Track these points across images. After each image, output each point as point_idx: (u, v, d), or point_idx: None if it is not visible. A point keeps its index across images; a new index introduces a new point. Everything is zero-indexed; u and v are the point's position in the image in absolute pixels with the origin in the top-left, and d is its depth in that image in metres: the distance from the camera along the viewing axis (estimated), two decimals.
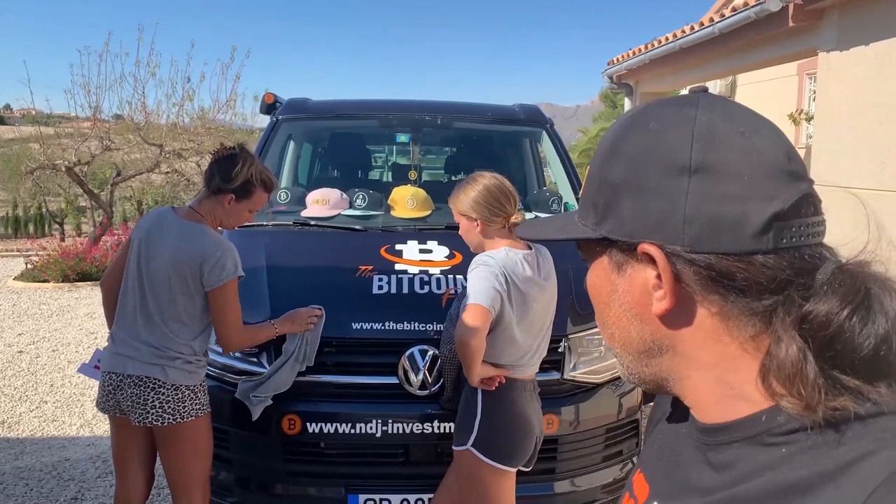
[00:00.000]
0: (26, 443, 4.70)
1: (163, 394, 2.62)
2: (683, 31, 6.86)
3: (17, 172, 15.02)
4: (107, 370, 2.69)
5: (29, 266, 10.93)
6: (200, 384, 2.74)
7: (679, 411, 0.78)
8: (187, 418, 2.65)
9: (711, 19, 6.32)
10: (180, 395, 2.65)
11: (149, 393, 2.61)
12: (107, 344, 2.78)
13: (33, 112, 17.69)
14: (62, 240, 14.12)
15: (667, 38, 7.29)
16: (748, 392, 0.65)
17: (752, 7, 5.58)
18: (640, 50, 8.07)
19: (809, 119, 8.17)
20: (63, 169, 12.37)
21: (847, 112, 5.39)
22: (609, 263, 0.72)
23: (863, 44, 5.12)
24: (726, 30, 6.03)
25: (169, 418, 2.62)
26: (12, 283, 10.53)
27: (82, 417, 5.17)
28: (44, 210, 18.29)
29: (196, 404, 2.70)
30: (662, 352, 0.70)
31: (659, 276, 0.66)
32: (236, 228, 3.75)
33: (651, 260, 0.66)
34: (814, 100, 6.40)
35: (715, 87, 10.52)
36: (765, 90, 9.57)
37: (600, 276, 0.73)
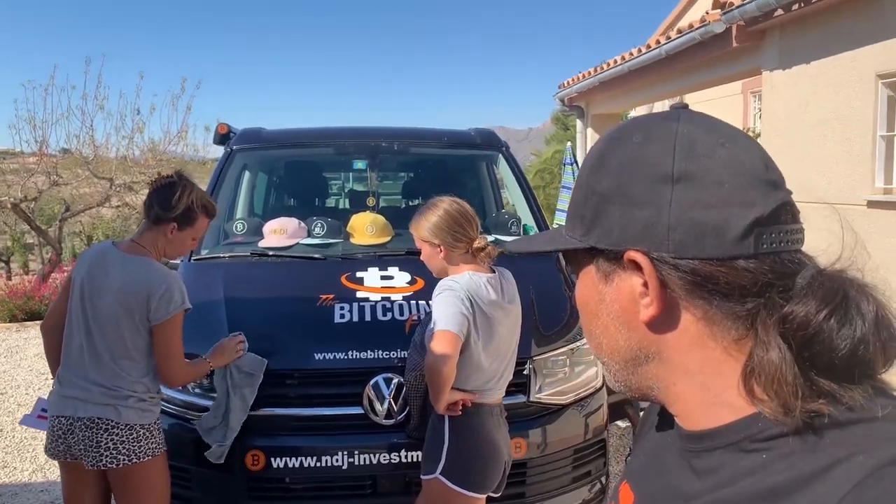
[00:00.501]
0: None
1: (116, 434, 2.53)
2: (631, 54, 7.01)
3: None
4: (55, 414, 2.58)
5: None
6: (155, 422, 2.66)
7: (665, 420, 0.80)
8: (143, 458, 2.56)
9: (658, 41, 6.47)
10: (135, 435, 2.56)
11: (102, 434, 2.52)
12: (52, 388, 2.67)
13: None
14: (9, 278, 13.70)
15: (615, 61, 7.43)
16: (731, 398, 0.66)
17: (697, 29, 5.73)
18: (590, 73, 8.22)
19: (756, 136, 8.40)
20: (8, 206, 12.02)
21: (791, 128, 5.54)
22: (596, 273, 0.73)
23: (804, 62, 5.29)
24: (673, 51, 6.18)
25: (124, 459, 2.52)
26: None
27: (35, 462, 4.97)
28: None
29: (152, 443, 2.60)
30: (649, 359, 0.71)
31: (645, 284, 0.68)
32: (192, 261, 3.71)
33: (637, 267, 0.68)
34: (759, 117, 6.58)
35: (664, 107, 10.75)
36: (712, 109, 9.77)
37: (588, 286, 0.75)
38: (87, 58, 12.85)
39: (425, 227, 2.59)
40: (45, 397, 2.75)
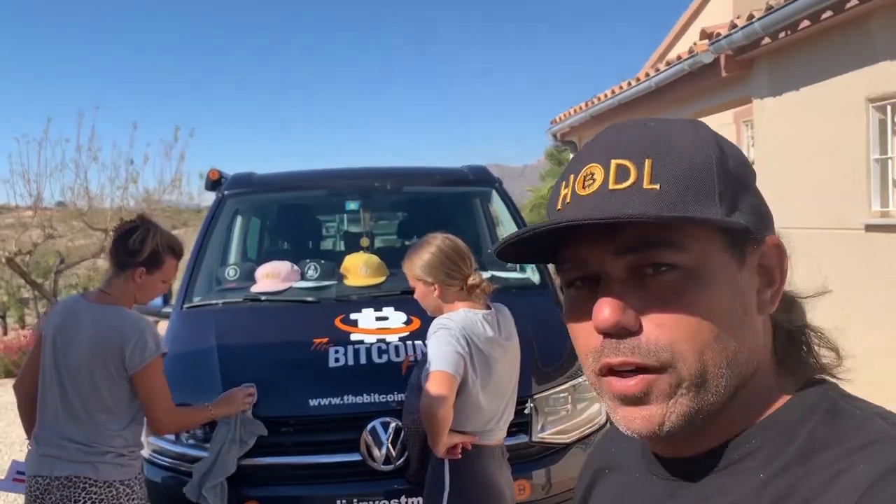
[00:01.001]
0: None
1: (95, 493, 2.43)
2: (621, 87, 7.05)
3: None
4: (32, 474, 2.49)
5: None
6: (136, 477, 2.56)
7: (627, 458, 0.78)
8: None
9: (647, 74, 6.51)
10: (114, 492, 2.45)
11: (79, 493, 2.42)
12: (28, 449, 2.59)
13: None
14: (4, 333, 13.60)
15: (606, 95, 7.47)
16: (756, 397, 0.67)
17: (686, 60, 5.76)
18: (581, 108, 8.25)
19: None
20: (3, 260, 11.98)
21: (784, 155, 5.54)
22: (730, 260, 0.65)
23: (794, 89, 5.30)
24: (662, 83, 6.21)
25: None
26: None
27: None
28: None
29: (133, 499, 2.50)
30: (752, 368, 0.67)
31: (768, 272, 0.68)
32: (184, 309, 3.65)
33: (769, 253, 0.68)
34: (752, 146, 6.59)
35: None
36: None
37: (726, 276, 0.65)
38: (80, 112, 12.92)
39: (418, 265, 2.54)
40: (21, 459, 2.67)
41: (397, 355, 3.06)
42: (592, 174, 0.66)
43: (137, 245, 2.56)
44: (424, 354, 2.91)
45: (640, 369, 0.63)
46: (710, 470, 0.65)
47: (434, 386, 2.29)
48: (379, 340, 3.14)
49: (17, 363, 9.99)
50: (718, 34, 5.53)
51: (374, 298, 3.59)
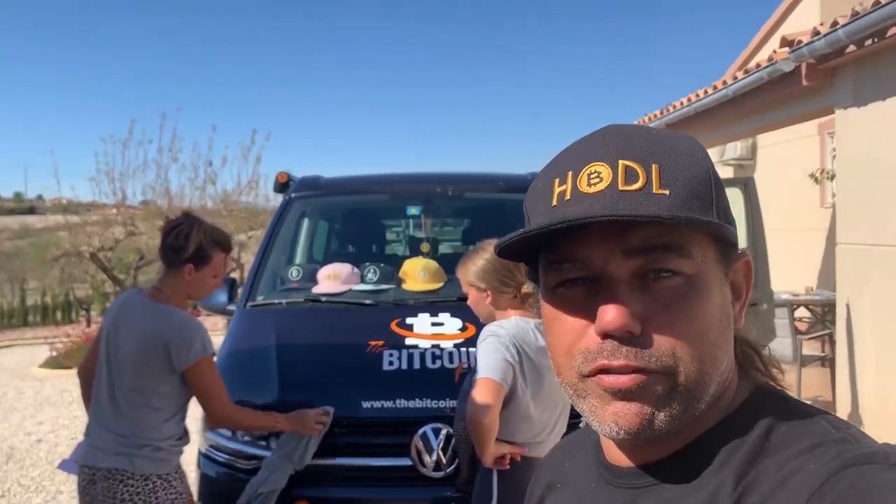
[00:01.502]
0: None
1: (132, 486, 2.44)
2: (697, 95, 6.86)
3: (45, 261, 15.26)
4: (81, 463, 2.54)
5: (53, 353, 10.95)
6: (175, 472, 2.56)
7: (582, 468, 0.79)
8: None
9: (725, 82, 6.31)
10: (151, 486, 2.46)
11: (118, 486, 2.44)
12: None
13: (63, 202, 18.10)
14: (88, 325, 14.20)
15: (681, 103, 7.28)
16: (706, 415, 0.67)
17: (765, 68, 5.55)
18: (656, 115, 8.08)
19: (832, 178, 8.06)
20: (87, 255, 12.54)
21: (868, 168, 5.27)
22: (720, 272, 0.68)
23: (879, 99, 5.04)
24: (740, 92, 6.00)
25: None
26: (36, 371, 10.54)
27: None
28: (71, 297, 18.50)
29: (171, 493, 2.50)
30: (726, 379, 0.69)
31: (734, 288, 0.70)
32: (247, 307, 3.73)
33: (738, 270, 0.70)
34: (835, 158, 6.30)
35: (735, 149, 10.46)
36: (785, 151, 9.48)
37: (718, 286, 0.67)
38: (163, 113, 13.42)
39: (472, 271, 2.51)
40: None
41: (451, 362, 3.03)
42: (598, 173, 0.65)
43: (182, 241, 2.57)
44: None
45: (636, 371, 0.63)
46: (669, 476, 0.67)
47: (480, 393, 2.25)
48: (433, 346, 3.13)
49: None
50: (800, 41, 5.30)
51: (431, 304, 3.58)
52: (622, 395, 0.64)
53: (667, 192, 0.63)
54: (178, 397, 2.56)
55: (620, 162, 0.65)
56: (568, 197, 0.66)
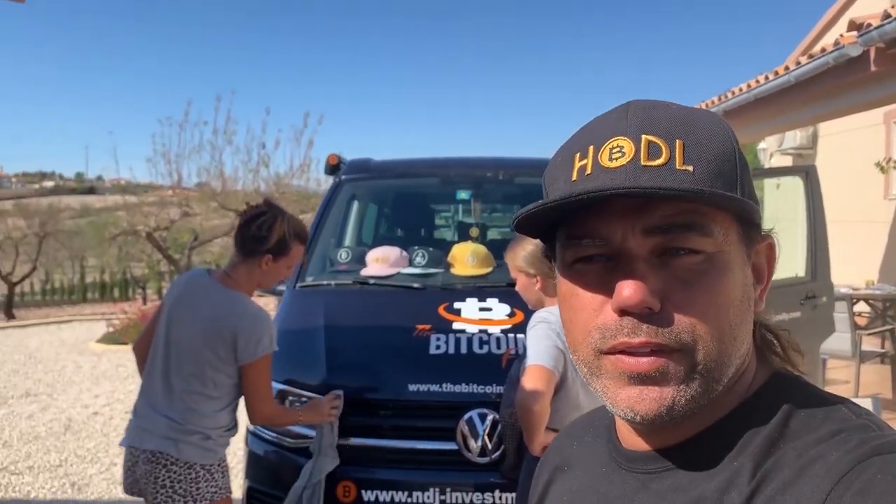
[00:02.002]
0: None
1: (175, 472, 2.37)
2: (758, 81, 6.64)
3: (104, 240, 15.69)
4: (127, 444, 2.49)
5: (110, 329, 11.28)
6: (219, 464, 2.49)
7: (587, 453, 0.78)
8: (201, 502, 2.40)
9: (787, 67, 6.10)
10: (194, 475, 2.39)
11: (160, 470, 2.37)
12: None
13: (122, 182, 18.57)
14: (144, 303, 14.58)
15: (741, 89, 7.06)
16: (734, 392, 0.67)
17: (831, 53, 5.33)
18: (713, 102, 7.86)
19: None
20: (143, 234, 12.85)
21: None
22: (742, 252, 0.66)
23: None
24: (803, 77, 5.78)
25: (179, 500, 2.36)
26: (93, 346, 10.87)
27: None
28: (128, 275, 19.03)
29: (211, 486, 2.43)
30: (745, 361, 0.68)
31: (756, 270, 0.68)
32: (297, 288, 3.76)
33: (761, 252, 0.68)
34: None
35: (794, 138, 10.14)
36: (849, 140, 9.14)
37: (740, 266, 0.66)
38: (218, 95, 13.64)
39: (521, 257, 2.47)
40: None
41: (498, 347, 3.00)
42: (621, 147, 0.63)
43: (265, 232, 2.50)
44: (525, 348, 2.85)
45: (654, 350, 0.62)
46: (684, 461, 0.65)
47: (530, 380, 2.22)
48: (481, 331, 3.10)
49: None
50: (869, 25, 5.08)
51: (479, 289, 3.55)
52: (640, 378, 0.62)
53: (690, 168, 0.62)
54: (234, 388, 2.49)
55: (643, 137, 0.63)
56: (589, 171, 0.64)
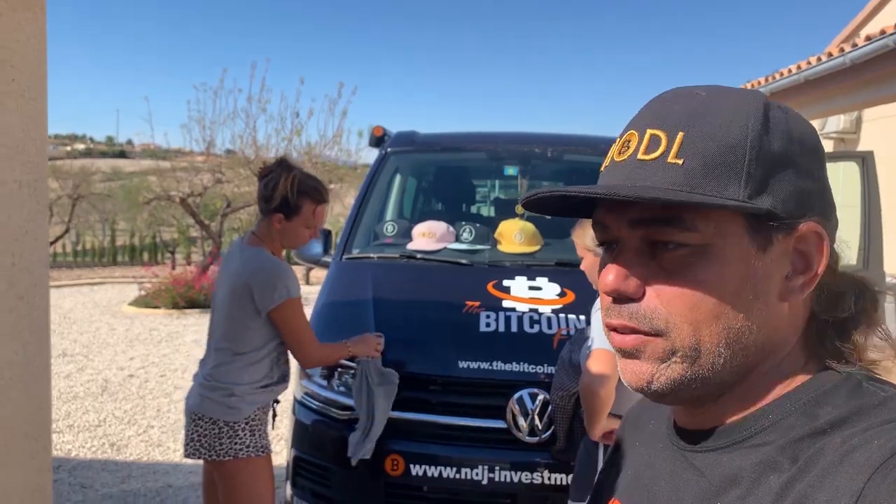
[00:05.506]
0: (133, 466, 4.77)
1: (202, 427, 2.49)
2: (809, 63, 6.47)
3: (136, 203, 15.85)
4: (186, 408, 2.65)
5: (142, 292, 11.41)
6: (246, 422, 2.52)
7: (653, 428, 0.80)
8: (223, 458, 2.46)
9: (842, 49, 5.93)
10: (216, 431, 2.47)
11: (192, 426, 2.51)
12: None
13: (152, 146, 18.69)
14: (173, 268, 14.73)
15: (790, 70, 6.90)
16: (768, 387, 0.67)
17: (891, 35, 5.18)
18: (759, 83, 7.69)
19: None
20: (177, 200, 12.94)
21: None
22: (750, 243, 0.65)
23: None
24: (859, 60, 5.63)
25: (205, 454, 2.47)
26: (126, 309, 11.00)
27: None
28: (157, 239, 19.23)
29: (235, 443, 2.48)
30: (766, 350, 0.67)
31: (803, 258, 0.66)
32: (343, 259, 3.74)
33: (807, 240, 0.65)
34: None
35: (837, 122, 9.90)
36: (894, 125, 8.93)
37: (736, 258, 0.65)
38: (253, 62, 13.63)
39: (590, 236, 2.42)
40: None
41: (549, 327, 2.97)
42: (629, 141, 0.67)
43: (270, 191, 2.54)
44: (579, 330, 2.81)
45: (635, 330, 0.67)
46: (728, 443, 0.67)
47: (597, 364, 2.19)
48: (531, 310, 3.07)
49: (183, 296, 10.80)
50: None
51: (527, 267, 3.52)
52: (625, 353, 0.69)
53: (680, 161, 0.64)
54: (260, 343, 2.53)
55: (648, 130, 0.66)
56: (606, 164, 0.70)
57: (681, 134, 0.64)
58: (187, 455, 2.52)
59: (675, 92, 0.70)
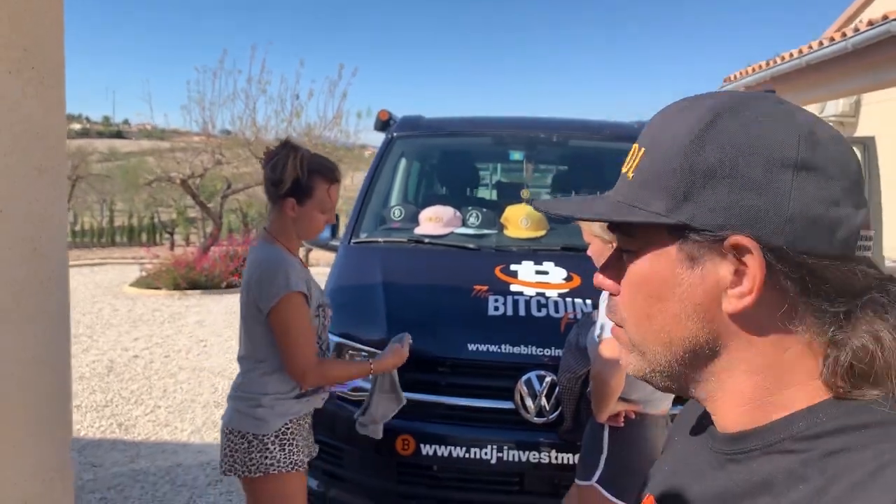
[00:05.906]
0: (141, 446, 4.84)
1: (233, 441, 2.31)
2: (810, 47, 6.49)
3: (134, 184, 15.83)
4: None
5: (143, 273, 11.44)
6: (275, 435, 2.29)
7: (701, 424, 0.80)
8: (255, 474, 2.27)
9: (843, 34, 5.95)
10: (246, 445, 2.28)
11: (225, 440, 2.34)
12: None
13: (149, 127, 18.61)
14: (172, 248, 14.75)
15: (791, 55, 6.91)
16: (790, 396, 0.65)
17: (893, 20, 5.21)
18: (760, 66, 7.70)
19: None
20: (178, 181, 12.94)
21: None
22: (677, 254, 0.67)
23: None
24: (860, 45, 5.65)
25: (238, 470, 2.29)
26: (128, 290, 11.05)
27: (193, 424, 5.29)
28: (156, 220, 19.23)
29: (266, 458, 2.27)
30: (714, 353, 0.68)
31: (736, 272, 0.64)
32: (351, 244, 3.78)
33: (737, 253, 0.64)
34: None
35: (837, 105, 9.94)
36: (894, 109, 8.96)
37: (660, 266, 0.68)
38: (254, 44, 13.57)
39: (598, 223, 2.47)
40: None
41: (556, 311, 3.03)
42: (630, 154, 0.73)
43: (279, 174, 2.31)
44: (585, 314, 2.87)
45: (618, 323, 0.76)
46: (756, 449, 0.67)
47: (609, 350, 2.24)
48: (538, 294, 3.12)
49: (184, 277, 10.83)
50: None
51: (534, 252, 3.57)
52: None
53: (631, 176, 0.70)
54: (274, 347, 2.32)
55: (635, 144, 0.72)
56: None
57: (642, 150, 0.70)
58: (223, 472, 2.34)
59: (669, 105, 0.73)
